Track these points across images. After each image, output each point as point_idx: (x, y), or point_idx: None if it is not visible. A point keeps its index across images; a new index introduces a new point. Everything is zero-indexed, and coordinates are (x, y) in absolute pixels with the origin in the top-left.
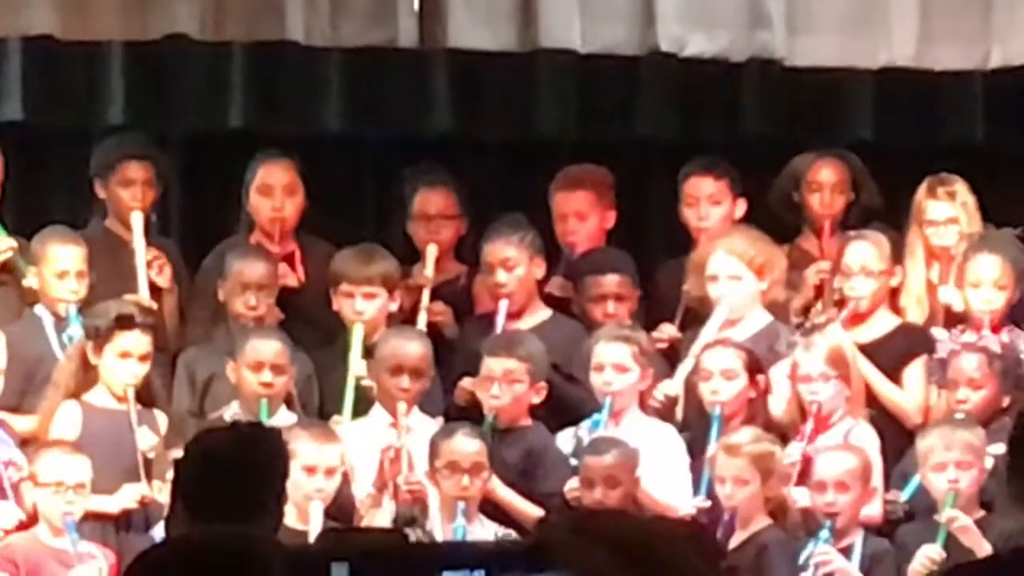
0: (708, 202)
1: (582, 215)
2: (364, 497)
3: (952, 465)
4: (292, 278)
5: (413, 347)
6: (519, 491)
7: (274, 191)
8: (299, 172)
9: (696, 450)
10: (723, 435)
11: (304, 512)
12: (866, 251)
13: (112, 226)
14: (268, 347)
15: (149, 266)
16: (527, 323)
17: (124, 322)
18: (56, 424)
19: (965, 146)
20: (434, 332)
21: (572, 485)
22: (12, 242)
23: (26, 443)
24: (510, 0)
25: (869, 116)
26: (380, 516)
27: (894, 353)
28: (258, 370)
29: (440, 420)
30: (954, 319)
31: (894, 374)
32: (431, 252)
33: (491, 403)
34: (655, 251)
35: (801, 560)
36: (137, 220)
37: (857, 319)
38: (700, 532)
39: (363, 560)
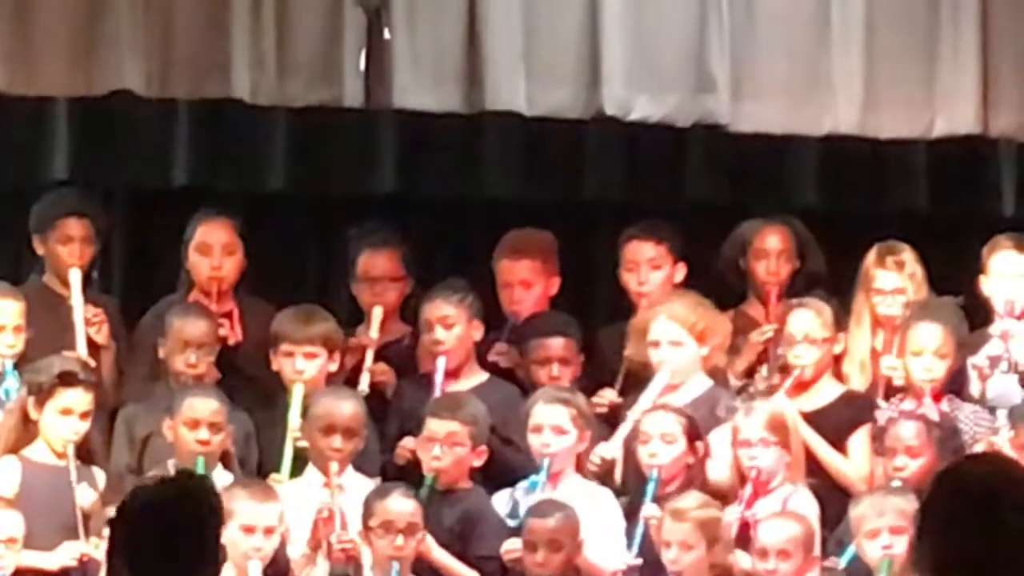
0: (648, 266)
1: (527, 284)
2: (299, 557)
3: (886, 531)
4: (231, 337)
5: (346, 407)
6: (454, 553)
7: (212, 250)
8: (238, 231)
9: (633, 513)
10: (660, 497)
11: (243, 571)
12: (809, 319)
13: (50, 282)
14: (205, 405)
15: (88, 323)
16: (464, 384)
17: (67, 379)
18: None
19: (909, 213)
20: (377, 392)
21: (512, 546)
22: None
23: None
24: (456, 62)
25: (813, 182)
26: (315, 575)
27: (838, 421)
28: (195, 428)
29: (377, 480)
30: (895, 389)
31: (839, 442)
32: (376, 314)
33: (432, 464)
34: (599, 315)
35: None
36: (75, 277)
37: (801, 387)
38: None
39: None
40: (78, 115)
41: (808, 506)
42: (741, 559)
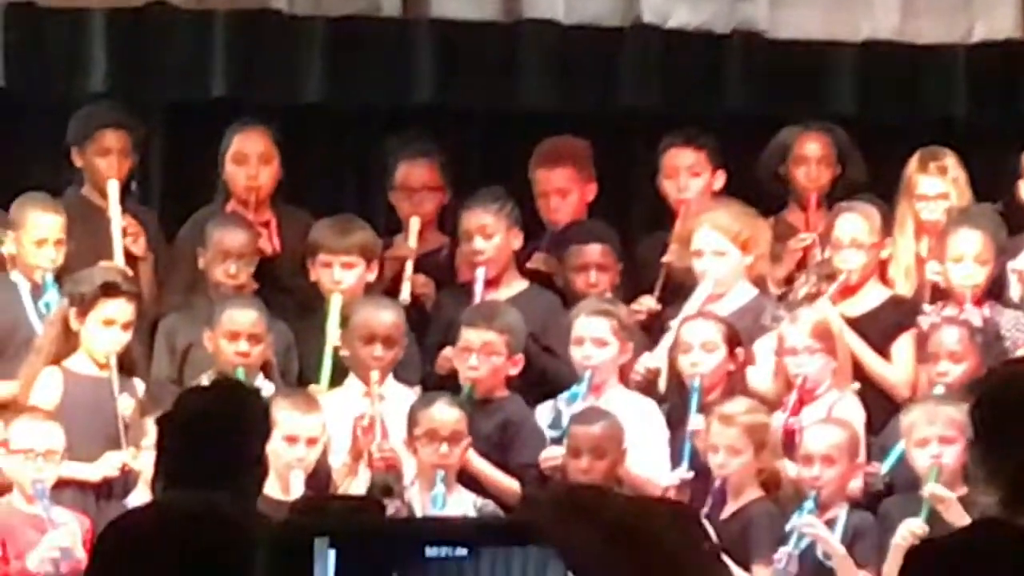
0: (687, 174)
1: (563, 192)
2: (339, 466)
3: (935, 440)
4: (268, 247)
5: (386, 316)
6: (494, 462)
7: (249, 160)
8: (274, 140)
9: (676, 422)
10: (703, 407)
11: (285, 482)
12: (857, 223)
13: (88, 194)
14: (244, 317)
15: (125, 234)
16: (504, 293)
17: (109, 289)
18: (36, 390)
19: (946, 120)
20: (417, 303)
21: (551, 453)
22: None
23: (3, 408)
24: None
25: (851, 89)
26: (356, 485)
27: (883, 326)
28: (234, 340)
29: (418, 389)
30: (941, 294)
31: (883, 347)
32: (414, 224)
33: (468, 374)
34: (636, 223)
35: (786, 529)
36: (113, 188)
37: (847, 292)
38: (684, 511)
39: (345, 535)
40: (115, 27)
41: (854, 412)
42: (788, 467)
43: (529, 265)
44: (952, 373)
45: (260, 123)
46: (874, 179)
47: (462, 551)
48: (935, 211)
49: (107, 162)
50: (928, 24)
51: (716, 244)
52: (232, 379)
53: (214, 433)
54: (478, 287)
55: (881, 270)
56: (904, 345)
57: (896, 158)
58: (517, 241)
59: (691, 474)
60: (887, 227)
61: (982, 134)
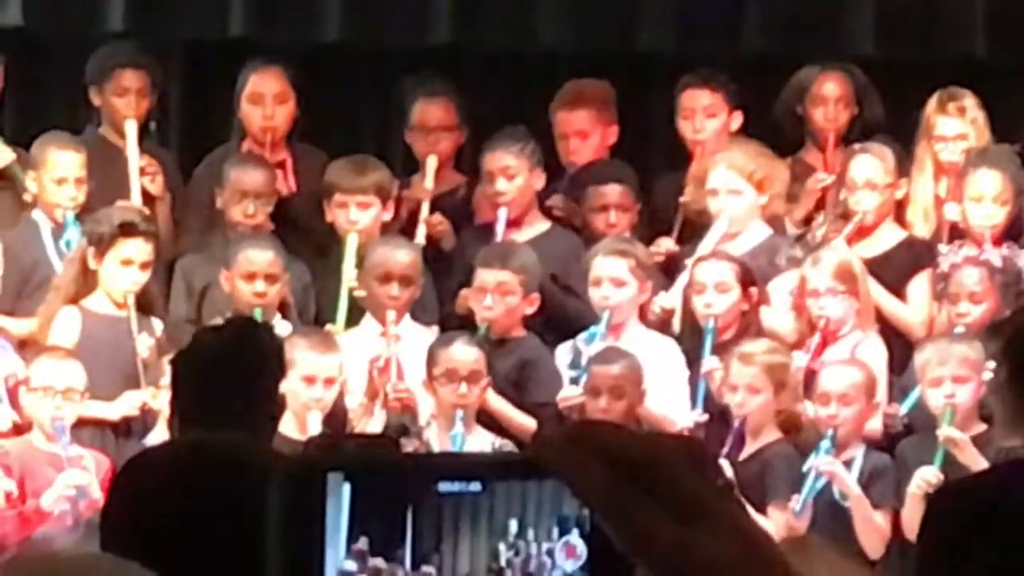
0: (704, 114)
1: (584, 134)
2: (356, 407)
3: (949, 380)
4: (283, 187)
5: (402, 255)
6: (511, 401)
7: (264, 99)
8: (290, 80)
9: (691, 363)
10: (716, 347)
11: (302, 422)
12: (871, 164)
13: (107, 134)
14: (261, 257)
15: (142, 174)
16: (526, 234)
17: (127, 229)
18: (55, 329)
19: (966, 60)
20: (433, 243)
21: (569, 393)
22: (11, 153)
23: (24, 346)
24: None
25: (870, 29)
26: (372, 425)
27: (898, 267)
28: (251, 280)
29: (435, 329)
30: (959, 234)
31: (899, 288)
32: (431, 163)
33: (484, 314)
34: (656, 165)
35: (803, 470)
36: (131, 128)
37: (862, 233)
38: (697, 447)
39: (360, 469)
40: None
41: (876, 353)
42: (808, 408)
43: (548, 204)
44: (973, 314)
45: (276, 63)
46: (893, 120)
47: (476, 486)
48: (954, 152)
49: (125, 102)
50: None
51: (731, 183)
52: (245, 317)
53: (227, 372)
54: (500, 227)
55: (899, 211)
56: (919, 285)
57: (915, 99)
58: (539, 182)
59: (705, 416)
60: (902, 168)
61: (1002, 74)
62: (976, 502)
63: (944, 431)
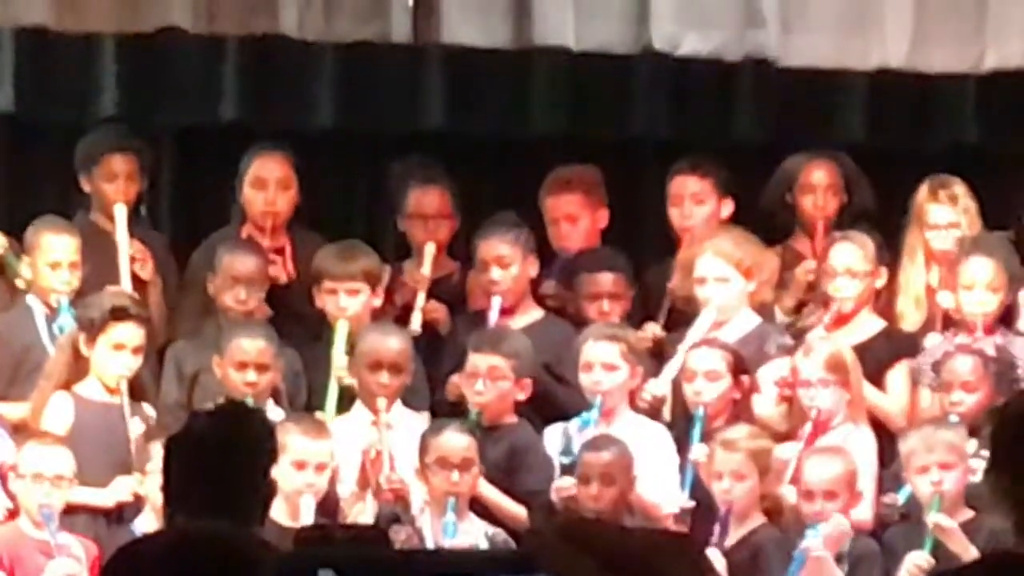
0: (692, 201)
1: (573, 218)
2: (347, 495)
3: (935, 467)
4: (282, 273)
5: (392, 342)
6: (502, 488)
7: (268, 184)
8: (293, 166)
9: (681, 450)
10: (707, 433)
11: (295, 507)
12: (850, 252)
13: (97, 219)
14: (252, 345)
15: (132, 259)
16: (519, 322)
17: (119, 314)
18: (48, 414)
19: (958, 148)
20: (429, 330)
21: (565, 483)
22: (2, 239)
23: (17, 431)
24: None
25: (862, 117)
26: (363, 513)
27: (878, 356)
28: (242, 369)
29: (426, 415)
30: (951, 322)
31: (877, 377)
32: (429, 252)
33: (475, 399)
34: (648, 251)
35: (793, 554)
36: (120, 213)
37: (841, 321)
38: (688, 543)
39: (350, 566)
40: (125, 52)
41: (866, 445)
42: (789, 493)
43: (540, 292)
44: (966, 403)
45: (280, 148)
46: (884, 207)
47: None
48: (946, 240)
49: (114, 186)
50: (939, 53)
51: (718, 271)
52: (238, 402)
53: (219, 457)
54: (493, 315)
55: (889, 300)
56: (899, 375)
57: (908, 186)
58: (534, 269)
59: (692, 503)
60: (882, 256)
61: (992, 162)
62: None
63: (933, 517)
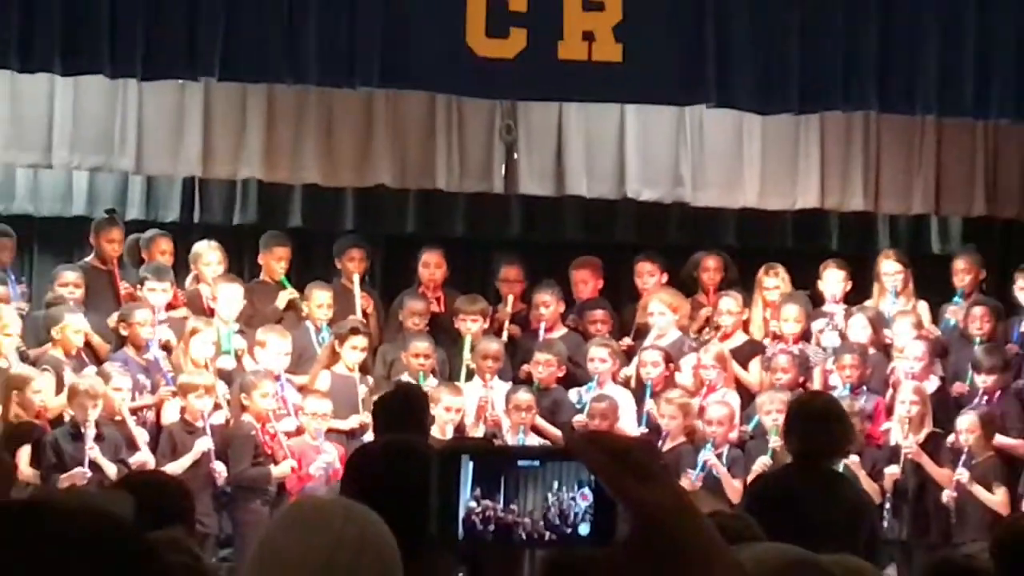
0: (648, 275)
1: (585, 282)
2: (469, 424)
3: (775, 411)
4: (439, 309)
5: (493, 346)
6: (548, 422)
7: (431, 266)
8: (444, 256)
9: (639, 404)
10: (654, 394)
11: (443, 430)
12: (729, 302)
13: (345, 282)
14: (422, 345)
15: (363, 299)
16: (555, 334)
17: (355, 330)
18: (318, 382)
19: (780, 249)
20: (511, 339)
21: (581, 419)
22: (295, 293)
23: (301, 390)
24: (550, 166)
25: (734, 233)
26: (478, 433)
27: (744, 354)
28: (417, 358)
29: (509, 384)
30: (776, 337)
31: (744, 364)
32: (510, 299)
33: (537, 376)
34: (624, 299)
35: (698, 459)
36: (356, 279)
37: (725, 337)
38: (651, 445)
39: (477, 453)
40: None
41: (735, 399)
42: (701, 426)
43: (566, 321)
44: (783, 379)
45: (439, 248)
46: (744, 279)
47: (536, 463)
48: (773, 295)
49: (353, 265)
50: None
51: (660, 309)
52: (409, 381)
53: (403, 405)
54: (541, 333)
55: (745, 325)
56: (755, 364)
57: (755, 268)
58: (561, 307)
59: (646, 431)
60: (745, 302)
61: (796, 258)
62: (778, 480)
63: (773, 441)
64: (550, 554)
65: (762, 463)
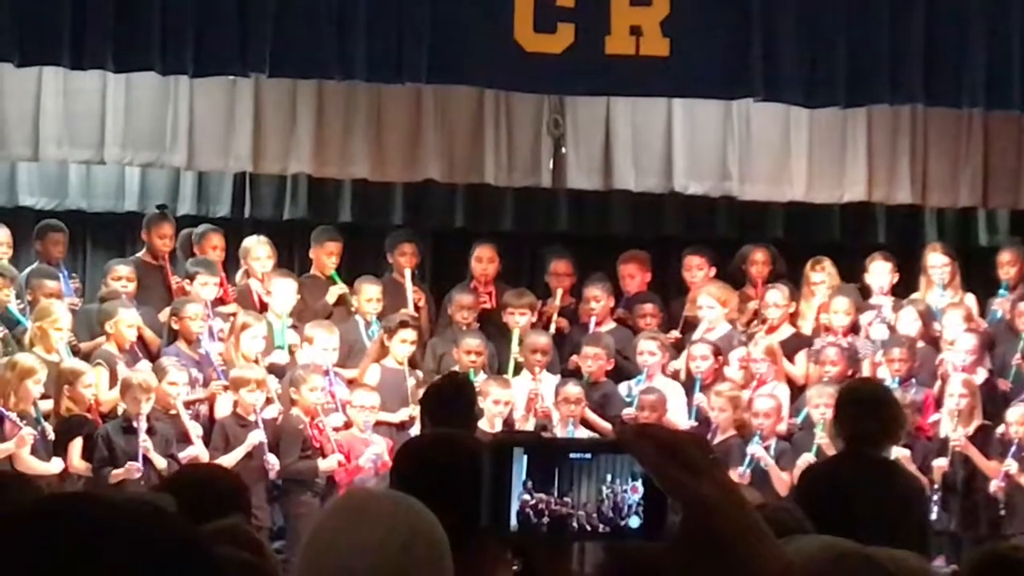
0: (696, 269)
1: (632, 276)
2: (519, 417)
3: (823, 405)
4: (489, 304)
5: (541, 339)
6: (598, 415)
7: (483, 260)
8: (496, 250)
9: (688, 397)
10: (703, 388)
11: (491, 423)
12: (776, 295)
13: (396, 276)
14: (474, 342)
15: (415, 294)
16: (605, 328)
17: (404, 324)
18: (367, 376)
19: (828, 243)
20: (559, 333)
21: (630, 412)
22: (345, 287)
23: (350, 383)
24: (597, 161)
25: (783, 225)
26: (528, 426)
27: (791, 347)
28: (468, 354)
29: (558, 377)
30: (826, 330)
31: (791, 358)
32: (559, 292)
33: (587, 369)
34: (672, 293)
35: (746, 451)
36: (408, 273)
37: (772, 329)
38: (702, 438)
39: (529, 446)
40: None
41: (783, 392)
42: (751, 419)
43: (616, 315)
44: (830, 372)
45: (490, 242)
46: (792, 272)
47: (588, 455)
48: (821, 289)
49: (405, 259)
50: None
51: (709, 303)
52: (459, 373)
53: (451, 397)
54: (591, 326)
55: (793, 318)
56: (801, 357)
57: (803, 262)
58: (611, 302)
59: (696, 423)
60: (792, 296)
61: (847, 253)
62: (827, 474)
63: (819, 434)
64: (610, 548)
65: (805, 459)
